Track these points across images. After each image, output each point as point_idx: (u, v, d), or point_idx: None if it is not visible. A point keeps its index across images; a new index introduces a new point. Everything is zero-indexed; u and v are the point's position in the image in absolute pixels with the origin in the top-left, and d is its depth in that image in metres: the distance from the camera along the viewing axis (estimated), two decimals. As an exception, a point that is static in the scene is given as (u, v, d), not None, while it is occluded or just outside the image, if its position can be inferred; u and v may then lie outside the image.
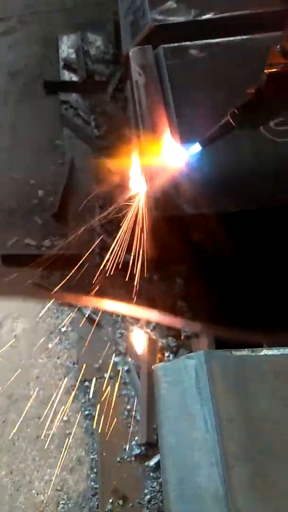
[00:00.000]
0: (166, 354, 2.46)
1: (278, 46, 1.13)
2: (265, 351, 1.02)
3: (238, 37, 1.84)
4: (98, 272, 2.26)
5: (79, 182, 3.12)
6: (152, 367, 1.11)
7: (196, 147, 1.33)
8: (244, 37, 1.84)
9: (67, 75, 3.65)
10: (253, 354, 1.02)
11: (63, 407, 2.32)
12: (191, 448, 0.91)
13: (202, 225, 1.36)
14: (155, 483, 2.13)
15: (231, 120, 1.20)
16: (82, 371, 2.39)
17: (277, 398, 0.95)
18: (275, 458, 0.89)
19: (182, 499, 0.87)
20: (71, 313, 2.61)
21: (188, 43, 1.82)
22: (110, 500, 2.08)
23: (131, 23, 2.07)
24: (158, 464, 2.15)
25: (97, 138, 3.27)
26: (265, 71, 1.12)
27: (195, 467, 0.89)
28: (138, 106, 1.62)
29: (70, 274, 2.40)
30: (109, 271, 2.18)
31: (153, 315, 2.01)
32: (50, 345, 2.53)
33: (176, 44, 1.81)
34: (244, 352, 1.03)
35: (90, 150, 3.25)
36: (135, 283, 2.11)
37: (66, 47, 3.79)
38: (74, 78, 3.62)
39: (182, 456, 0.92)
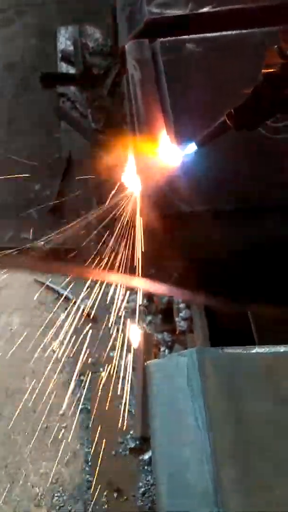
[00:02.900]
0: (162, 349, 2.48)
1: (276, 46, 1.11)
2: (257, 349, 1.02)
3: (237, 32, 1.82)
4: (94, 266, 2.26)
5: (76, 176, 3.11)
6: (145, 363, 1.11)
7: (192, 147, 1.32)
8: (243, 31, 1.81)
9: (65, 68, 3.62)
10: (245, 352, 1.02)
11: (58, 401, 2.33)
12: (181, 445, 0.92)
13: (196, 223, 1.36)
14: (149, 477, 2.15)
15: (227, 121, 1.19)
16: (78, 365, 2.40)
17: (268, 396, 0.96)
18: (265, 456, 0.90)
19: (172, 494, 0.88)
20: (68, 308, 2.61)
21: (185, 37, 1.80)
22: (105, 493, 2.11)
23: (127, 16, 2.05)
24: (152, 457, 2.17)
25: (94, 131, 3.25)
26: (262, 71, 1.11)
27: (185, 464, 0.90)
28: (133, 102, 1.61)
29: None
30: (105, 265, 2.18)
31: (143, 282, 1.98)
32: (46, 339, 2.53)
33: (173, 38, 1.79)
34: (236, 350, 1.03)
35: (87, 143, 3.23)
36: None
37: (64, 39, 3.75)
38: (72, 70, 3.58)
39: (172, 452, 0.93)
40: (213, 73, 1.62)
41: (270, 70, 1.10)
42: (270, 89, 1.12)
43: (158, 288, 1.96)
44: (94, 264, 2.26)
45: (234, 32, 1.77)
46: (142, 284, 2.08)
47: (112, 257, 2.24)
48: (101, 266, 2.19)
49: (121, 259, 2.10)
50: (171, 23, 1.87)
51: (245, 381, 0.97)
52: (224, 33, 1.79)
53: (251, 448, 0.90)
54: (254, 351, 1.03)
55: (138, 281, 1.98)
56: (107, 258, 2.19)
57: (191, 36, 1.79)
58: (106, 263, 2.19)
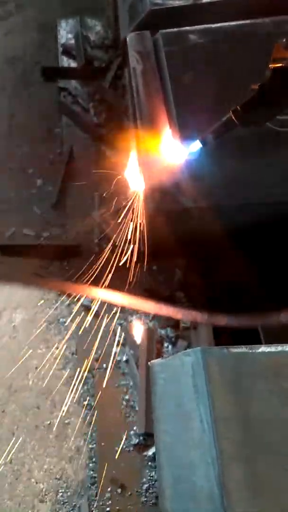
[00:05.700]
0: (165, 345, 2.46)
1: (284, 40, 1.08)
2: (262, 348, 1.00)
3: (241, 22, 1.77)
4: (97, 261, 2.24)
5: (78, 171, 3.08)
6: (149, 363, 1.10)
7: (196, 145, 1.28)
8: (247, 21, 1.77)
9: (66, 61, 3.57)
10: (250, 351, 1.00)
11: (61, 397, 2.32)
12: (186, 447, 0.90)
13: (199, 218, 1.33)
14: (153, 472, 2.15)
15: (233, 118, 1.15)
16: (81, 361, 2.39)
17: (274, 396, 0.94)
18: (271, 457, 0.88)
19: (177, 497, 0.87)
20: (70, 304, 2.60)
21: (187, 28, 1.76)
22: (109, 489, 2.10)
23: (129, 7, 2.01)
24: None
25: (96, 126, 3.21)
26: (270, 66, 1.07)
27: (190, 466, 0.88)
28: (135, 96, 1.58)
29: (69, 264, 2.38)
30: (108, 261, 2.16)
31: (151, 306, 1.98)
32: (49, 336, 2.53)
33: (175, 30, 1.75)
34: (242, 349, 1.01)
35: (89, 138, 3.20)
36: (134, 273, 2.09)
37: (65, 32, 3.70)
38: (73, 64, 3.54)
39: (177, 455, 0.91)
40: (217, 65, 1.58)
41: (278, 65, 1.06)
42: (278, 84, 1.08)
43: (164, 310, 1.94)
44: (95, 263, 2.23)
45: (239, 22, 1.73)
46: (146, 305, 2.06)
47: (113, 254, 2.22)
48: (101, 265, 2.16)
49: (123, 256, 2.08)
50: (174, 14, 1.83)
51: (251, 381, 0.95)
52: (229, 23, 1.75)
53: (257, 449, 0.89)
54: (260, 350, 1.01)
55: (141, 303, 1.96)
56: (107, 256, 2.17)
57: (194, 26, 1.75)
58: (107, 263, 2.16)
